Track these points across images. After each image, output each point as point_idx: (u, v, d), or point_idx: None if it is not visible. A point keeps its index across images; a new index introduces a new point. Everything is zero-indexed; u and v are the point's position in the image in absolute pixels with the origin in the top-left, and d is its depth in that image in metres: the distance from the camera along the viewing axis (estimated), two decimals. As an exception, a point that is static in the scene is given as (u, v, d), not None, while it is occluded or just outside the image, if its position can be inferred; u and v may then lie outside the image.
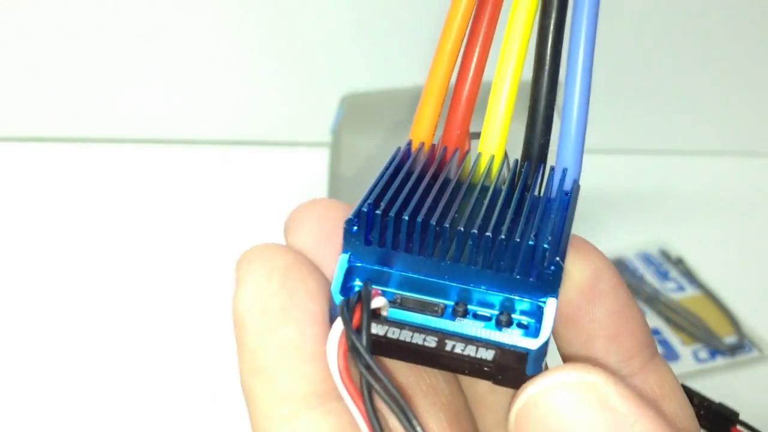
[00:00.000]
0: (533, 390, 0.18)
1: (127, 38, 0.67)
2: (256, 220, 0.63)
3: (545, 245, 0.19)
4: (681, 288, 0.58)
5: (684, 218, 0.65)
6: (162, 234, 0.61)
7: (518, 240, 0.19)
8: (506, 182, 0.21)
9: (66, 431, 0.48)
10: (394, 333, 0.19)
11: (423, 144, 0.23)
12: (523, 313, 0.19)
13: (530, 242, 0.19)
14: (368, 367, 0.18)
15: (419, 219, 0.19)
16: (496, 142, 0.22)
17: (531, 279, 0.19)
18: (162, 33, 0.67)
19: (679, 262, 0.60)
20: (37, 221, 0.62)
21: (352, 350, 0.18)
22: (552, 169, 0.22)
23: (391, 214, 0.19)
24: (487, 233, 0.19)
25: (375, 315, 0.19)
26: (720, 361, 0.53)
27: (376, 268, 0.20)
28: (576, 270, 0.22)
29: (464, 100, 0.22)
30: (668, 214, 0.65)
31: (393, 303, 0.20)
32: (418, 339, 0.19)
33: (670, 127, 0.71)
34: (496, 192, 0.21)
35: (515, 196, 0.21)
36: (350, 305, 0.19)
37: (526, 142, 0.22)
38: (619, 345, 0.22)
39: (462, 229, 0.19)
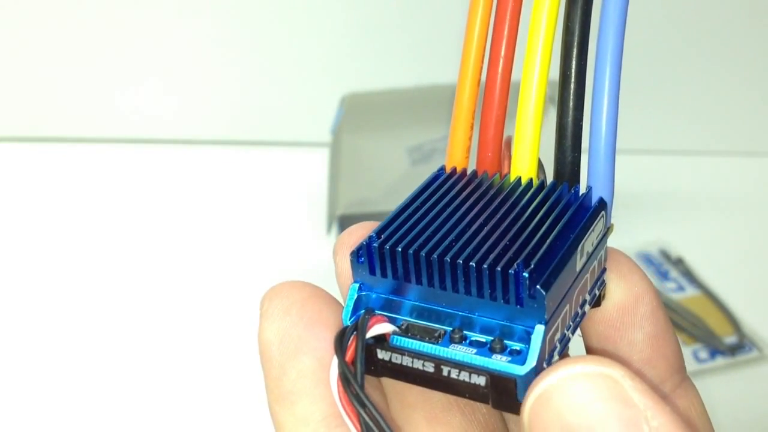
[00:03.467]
0: (550, 380, 0.18)
1: (128, 38, 0.67)
2: (256, 220, 0.63)
3: (525, 273, 0.19)
4: (681, 288, 0.58)
5: (684, 218, 0.65)
6: (162, 234, 0.61)
7: (500, 269, 0.19)
8: (522, 204, 0.21)
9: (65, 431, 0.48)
10: (396, 358, 0.20)
11: (455, 168, 0.23)
12: (519, 339, 0.19)
13: (511, 271, 0.19)
14: (357, 397, 0.19)
15: (411, 250, 0.20)
16: (527, 163, 0.22)
17: (518, 306, 0.19)
18: (162, 33, 0.67)
19: (679, 262, 0.60)
20: (37, 221, 0.62)
21: (343, 380, 0.19)
22: (576, 187, 0.22)
23: (387, 246, 0.20)
24: (471, 263, 0.19)
25: (383, 340, 0.20)
26: (720, 361, 0.53)
27: (384, 296, 0.21)
28: (618, 291, 0.22)
29: (493, 122, 0.22)
30: (668, 214, 0.65)
31: (400, 329, 0.20)
32: (417, 364, 0.20)
33: (670, 127, 0.71)
34: (507, 215, 0.21)
35: (524, 218, 0.21)
36: (345, 336, 0.20)
37: (556, 161, 0.22)
38: (652, 369, 0.22)
39: (448, 259, 0.19)
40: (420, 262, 0.20)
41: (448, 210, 0.21)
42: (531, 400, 0.18)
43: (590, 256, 0.21)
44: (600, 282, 0.22)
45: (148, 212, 0.63)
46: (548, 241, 0.20)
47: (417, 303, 0.20)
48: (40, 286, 0.56)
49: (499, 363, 0.19)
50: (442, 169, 0.23)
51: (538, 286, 0.19)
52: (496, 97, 0.22)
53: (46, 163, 0.67)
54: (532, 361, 0.19)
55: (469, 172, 0.23)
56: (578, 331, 0.22)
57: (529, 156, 0.21)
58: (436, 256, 0.20)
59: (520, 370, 0.19)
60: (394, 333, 0.20)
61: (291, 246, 0.60)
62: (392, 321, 0.20)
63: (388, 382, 0.22)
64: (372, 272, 0.20)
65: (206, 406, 0.49)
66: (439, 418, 0.22)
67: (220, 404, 0.49)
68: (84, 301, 0.55)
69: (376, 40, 0.67)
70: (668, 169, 0.69)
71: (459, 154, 0.23)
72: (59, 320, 0.54)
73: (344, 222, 0.58)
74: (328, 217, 0.59)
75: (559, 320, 0.20)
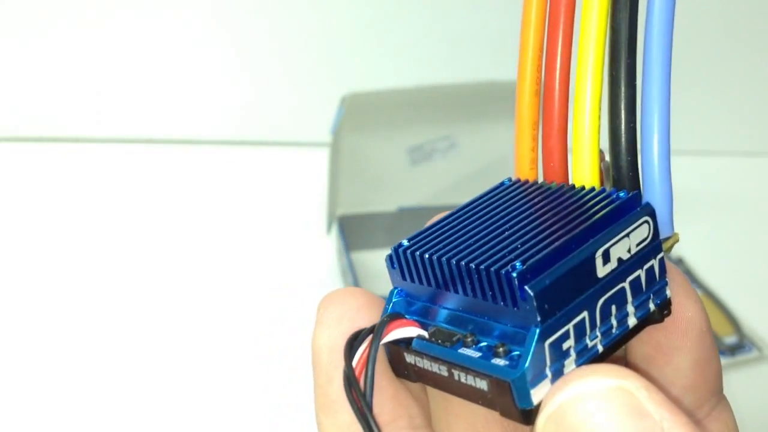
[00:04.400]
0: (563, 397, 0.17)
1: (128, 38, 0.67)
2: (256, 220, 0.63)
3: (513, 273, 0.18)
4: (681, 288, 0.58)
5: (684, 218, 0.65)
6: (162, 234, 0.61)
7: (494, 269, 0.19)
8: (560, 208, 0.20)
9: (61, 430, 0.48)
10: (419, 362, 0.20)
11: (518, 179, 0.22)
12: (519, 344, 0.19)
13: (502, 271, 0.18)
14: (361, 411, 0.19)
15: (426, 254, 0.20)
16: (589, 171, 0.21)
17: (515, 309, 0.19)
18: (163, 33, 0.67)
19: (679, 263, 0.60)
20: (37, 221, 0.62)
21: (346, 385, 0.19)
22: (624, 191, 0.21)
23: (409, 251, 0.20)
24: (471, 264, 0.19)
25: (410, 344, 0.20)
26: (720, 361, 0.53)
27: (423, 303, 0.21)
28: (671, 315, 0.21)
29: (555, 131, 0.21)
30: (668, 214, 0.65)
31: (429, 334, 0.20)
32: (434, 368, 0.20)
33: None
34: (539, 219, 0.20)
35: (553, 220, 0.20)
36: (358, 339, 0.20)
37: (613, 167, 0.21)
38: (693, 394, 0.22)
39: (454, 261, 0.19)
40: (433, 265, 0.20)
41: (486, 217, 0.21)
42: (544, 417, 0.18)
43: (625, 264, 0.20)
44: (657, 296, 0.20)
45: (148, 212, 0.63)
46: (559, 242, 0.19)
47: (449, 310, 0.20)
48: (40, 285, 0.56)
49: (495, 366, 0.19)
50: (509, 179, 0.22)
51: (526, 287, 0.18)
52: (556, 106, 0.21)
53: (46, 163, 0.67)
54: (523, 365, 0.18)
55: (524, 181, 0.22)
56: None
57: (590, 164, 0.21)
58: (444, 259, 0.19)
59: (511, 374, 0.18)
60: (419, 337, 0.20)
61: (291, 246, 0.60)
62: (425, 327, 0.20)
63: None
64: (403, 277, 0.20)
65: (203, 406, 0.49)
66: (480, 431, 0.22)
67: (216, 403, 0.49)
68: (84, 300, 0.55)
69: (376, 40, 0.67)
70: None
71: (525, 166, 0.22)
72: (59, 320, 0.54)
73: (344, 222, 0.58)
74: (328, 217, 0.59)
75: (570, 327, 0.19)
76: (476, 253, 0.19)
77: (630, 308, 0.20)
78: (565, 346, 0.19)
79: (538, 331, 0.18)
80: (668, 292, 0.21)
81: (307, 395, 0.23)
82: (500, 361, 0.19)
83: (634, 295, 0.20)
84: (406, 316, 0.21)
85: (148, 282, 0.57)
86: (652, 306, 0.20)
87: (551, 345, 0.19)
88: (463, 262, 0.19)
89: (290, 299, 0.55)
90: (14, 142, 0.68)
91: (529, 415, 0.19)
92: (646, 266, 0.20)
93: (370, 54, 0.68)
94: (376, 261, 0.57)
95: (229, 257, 0.59)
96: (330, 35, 0.67)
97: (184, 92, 0.69)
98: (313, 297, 0.23)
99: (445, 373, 0.20)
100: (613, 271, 0.20)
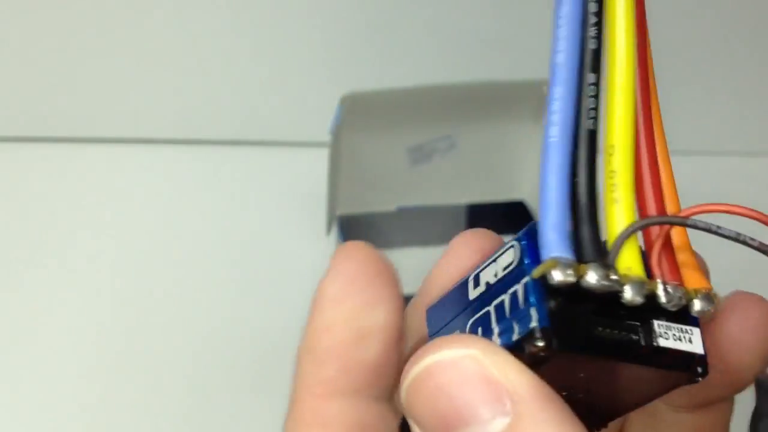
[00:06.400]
0: (418, 368, 0.19)
1: (127, 37, 0.67)
2: (255, 220, 0.63)
3: None
4: (681, 288, 0.58)
5: (684, 218, 0.65)
6: (161, 234, 0.61)
7: None
8: None
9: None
10: None
11: None
12: None
13: None
14: None
15: None
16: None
17: None
18: (161, 32, 0.67)
19: (679, 262, 0.60)
20: (36, 221, 0.62)
21: None
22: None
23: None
24: None
25: None
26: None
27: None
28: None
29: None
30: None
31: None
32: None
33: (669, 126, 0.71)
34: None
35: None
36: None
37: None
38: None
39: None
40: None
41: None
42: (404, 389, 0.19)
43: (492, 288, 0.20)
44: (520, 324, 0.19)
45: (148, 212, 0.63)
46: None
47: None
48: (40, 286, 0.56)
49: None
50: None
51: None
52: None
53: (46, 163, 0.67)
54: None
55: None
56: None
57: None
58: None
59: None
60: None
61: (290, 246, 0.60)
62: None
63: None
64: None
65: (200, 406, 0.49)
66: None
67: (213, 404, 0.49)
68: (83, 301, 0.55)
69: (376, 40, 0.67)
70: (668, 169, 0.69)
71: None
72: (58, 321, 0.54)
73: (344, 222, 0.58)
74: (327, 217, 0.59)
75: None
76: None
77: (495, 332, 0.20)
78: None
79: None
80: (534, 323, 0.18)
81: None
82: None
83: (498, 320, 0.20)
84: None
85: (147, 282, 0.57)
86: (515, 335, 0.19)
87: None
88: None
89: (290, 299, 0.55)
90: (14, 142, 0.68)
91: None
92: (510, 291, 0.19)
93: (370, 54, 0.68)
94: (376, 261, 0.56)
95: (228, 257, 0.59)
96: (330, 35, 0.67)
97: (184, 92, 0.69)
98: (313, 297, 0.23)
99: None
100: (481, 294, 0.20)
